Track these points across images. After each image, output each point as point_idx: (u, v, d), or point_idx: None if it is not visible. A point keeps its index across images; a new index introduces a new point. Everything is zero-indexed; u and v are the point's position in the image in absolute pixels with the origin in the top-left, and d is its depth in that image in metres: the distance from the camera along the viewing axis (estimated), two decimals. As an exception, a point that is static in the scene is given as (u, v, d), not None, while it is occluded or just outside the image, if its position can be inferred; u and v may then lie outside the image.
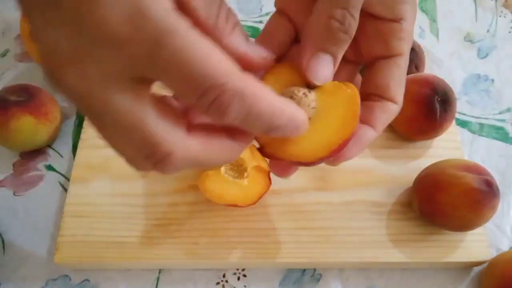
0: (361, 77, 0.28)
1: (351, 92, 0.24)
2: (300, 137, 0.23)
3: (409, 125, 0.43)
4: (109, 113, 0.18)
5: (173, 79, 0.18)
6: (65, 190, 0.44)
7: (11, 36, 0.56)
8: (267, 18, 0.62)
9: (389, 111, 0.27)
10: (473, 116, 0.50)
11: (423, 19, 0.58)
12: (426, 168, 0.41)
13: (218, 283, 0.40)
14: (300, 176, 0.43)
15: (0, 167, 0.46)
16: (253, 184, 0.39)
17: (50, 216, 0.43)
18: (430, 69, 0.53)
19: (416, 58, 0.48)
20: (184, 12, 0.18)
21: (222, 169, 0.38)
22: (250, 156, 0.39)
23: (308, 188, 0.42)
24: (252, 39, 0.24)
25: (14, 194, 0.44)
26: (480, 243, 0.40)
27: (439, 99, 0.42)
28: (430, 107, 0.41)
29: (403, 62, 0.26)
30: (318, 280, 0.40)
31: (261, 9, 0.58)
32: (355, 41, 0.25)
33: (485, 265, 0.40)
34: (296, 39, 0.28)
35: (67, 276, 0.40)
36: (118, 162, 0.43)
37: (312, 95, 0.24)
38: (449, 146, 0.45)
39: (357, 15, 0.23)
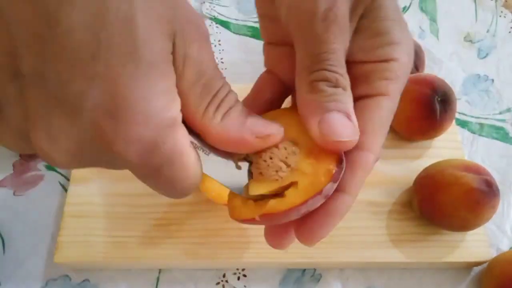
0: None
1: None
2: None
3: (409, 125, 0.43)
4: None
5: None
6: (65, 190, 0.44)
7: (11, 36, 0.56)
8: (267, 18, 0.60)
9: (361, 164, 0.22)
10: (473, 116, 0.50)
11: (423, 19, 0.58)
12: (426, 168, 0.41)
13: (218, 283, 0.40)
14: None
15: (0, 167, 0.46)
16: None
17: (50, 216, 0.43)
18: (430, 69, 0.53)
19: (416, 58, 0.48)
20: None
21: (222, 169, 0.38)
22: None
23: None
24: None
25: (14, 194, 0.44)
26: (480, 243, 0.40)
27: (439, 99, 0.42)
28: (430, 107, 0.41)
29: (387, 103, 0.23)
30: (318, 280, 0.40)
31: (261, 9, 0.58)
32: None
33: (485, 265, 0.40)
34: (285, 95, 0.27)
35: (67, 276, 0.40)
36: (118, 162, 0.44)
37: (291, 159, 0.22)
38: (449, 146, 0.45)
39: (340, 69, 0.22)
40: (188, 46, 0.19)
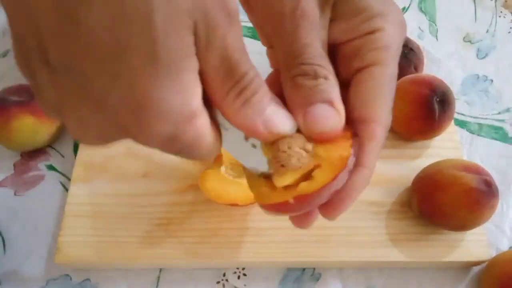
0: None
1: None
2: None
3: (408, 125, 0.44)
4: None
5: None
6: (66, 189, 0.44)
7: (12, 36, 0.56)
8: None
9: (372, 137, 0.23)
10: (472, 116, 0.50)
11: (422, 19, 0.58)
12: (425, 168, 0.41)
13: (218, 282, 0.40)
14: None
15: (1, 167, 0.46)
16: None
17: (50, 216, 0.43)
18: (429, 70, 0.54)
19: (415, 58, 0.48)
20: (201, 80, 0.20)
21: (222, 168, 0.38)
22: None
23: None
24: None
25: (14, 194, 0.44)
26: (480, 243, 0.40)
27: (438, 99, 0.42)
28: (429, 108, 0.42)
29: (381, 71, 0.23)
30: (318, 279, 0.41)
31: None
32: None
33: (484, 264, 0.40)
34: None
35: (67, 275, 0.40)
36: (118, 162, 0.44)
37: (308, 146, 0.22)
38: (448, 146, 0.45)
39: (319, 60, 0.22)
40: (212, 33, 0.18)
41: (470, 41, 0.57)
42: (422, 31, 0.57)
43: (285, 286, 0.40)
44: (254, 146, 0.23)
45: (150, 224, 0.40)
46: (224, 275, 0.41)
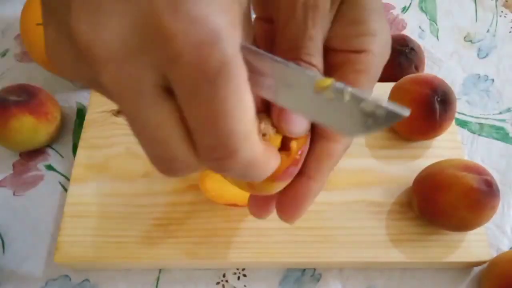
0: None
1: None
2: None
3: (409, 125, 0.43)
4: None
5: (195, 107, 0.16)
6: (65, 190, 0.44)
7: (11, 36, 0.56)
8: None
9: (328, 153, 0.24)
10: (473, 116, 0.50)
11: (423, 19, 0.58)
12: (426, 168, 0.41)
13: (218, 283, 0.40)
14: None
15: (0, 167, 0.46)
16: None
17: (50, 216, 0.43)
18: (430, 69, 0.53)
19: (415, 58, 0.48)
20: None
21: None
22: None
23: (308, 188, 0.42)
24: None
25: (14, 194, 0.44)
26: (480, 243, 0.40)
27: (439, 99, 0.42)
28: (430, 107, 0.41)
29: None
30: (318, 280, 0.40)
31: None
32: None
33: (485, 265, 0.40)
34: None
35: (67, 276, 0.40)
36: (118, 162, 0.44)
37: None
38: (449, 146, 0.45)
39: (316, 59, 0.22)
40: None
41: (471, 41, 0.57)
42: (423, 30, 0.57)
43: (285, 286, 0.40)
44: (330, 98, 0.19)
45: (150, 224, 0.40)
46: (224, 275, 0.40)
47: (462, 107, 0.51)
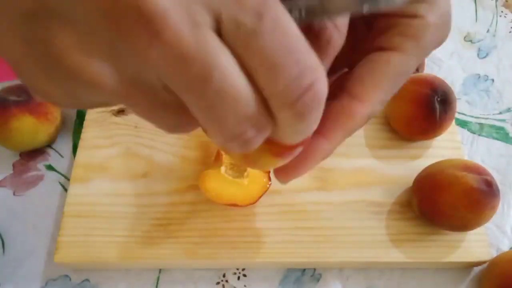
0: None
1: None
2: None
3: (409, 125, 0.43)
4: None
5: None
6: (65, 190, 0.44)
7: (11, 36, 0.56)
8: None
9: (347, 113, 0.20)
10: (473, 116, 0.50)
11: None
12: (426, 168, 0.41)
13: (218, 283, 0.40)
14: (300, 176, 0.43)
15: (0, 167, 0.46)
16: (253, 183, 0.39)
17: (50, 216, 0.43)
18: (430, 69, 0.53)
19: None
20: None
21: (222, 168, 0.38)
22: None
23: (308, 188, 0.42)
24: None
25: (14, 194, 0.44)
26: (480, 243, 0.40)
27: (439, 99, 0.42)
28: (430, 107, 0.41)
29: (398, 61, 0.21)
30: (318, 280, 0.40)
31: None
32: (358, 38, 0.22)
33: (485, 265, 0.40)
34: None
35: (67, 276, 0.40)
36: (118, 162, 0.44)
37: None
38: (449, 146, 0.45)
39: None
40: None
41: (471, 41, 0.57)
42: (423, 30, 0.57)
43: (285, 286, 0.40)
44: None
45: (150, 224, 0.40)
46: (224, 275, 0.40)
47: (462, 107, 0.51)
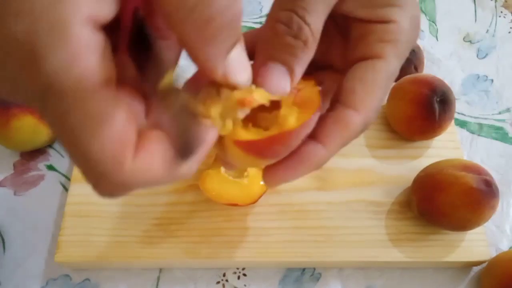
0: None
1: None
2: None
3: (408, 125, 0.44)
4: None
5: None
6: (66, 189, 0.44)
7: (12, 36, 0.56)
8: (267, 18, 0.61)
9: (344, 121, 0.21)
10: (472, 116, 0.50)
11: (423, 20, 0.58)
12: (425, 168, 0.41)
13: (218, 282, 0.40)
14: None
15: (1, 167, 0.46)
16: (253, 183, 0.39)
17: (50, 216, 0.43)
18: (429, 70, 0.54)
19: (415, 58, 0.48)
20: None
21: (222, 168, 0.38)
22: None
23: (308, 188, 0.42)
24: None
25: (14, 194, 0.44)
26: (480, 243, 0.40)
27: (438, 99, 0.42)
28: (429, 108, 0.41)
29: (382, 67, 0.22)
30: (318, 279, 0.41)
31: (261, 10, 0.58)
32: (343, 47, 0.23)
33: (484, 264, 0.40)
34: None
35: (67, 275, 0.40)
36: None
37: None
38: (448, 146, 0.45)
39: (311, 18, 0.20)
40: None
41: (470, 41, 0.57)
42: (422, 31, 0.57)
43: (285, 286, 0.40)
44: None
45: (150, 224, 0.40)
46: (224, 275, 0.41)
47: (461, 107, 0.51)
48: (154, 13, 0.19)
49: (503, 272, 0.37)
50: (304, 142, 0.21)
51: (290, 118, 0.20)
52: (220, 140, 0.21)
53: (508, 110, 0.51)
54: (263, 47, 0.21)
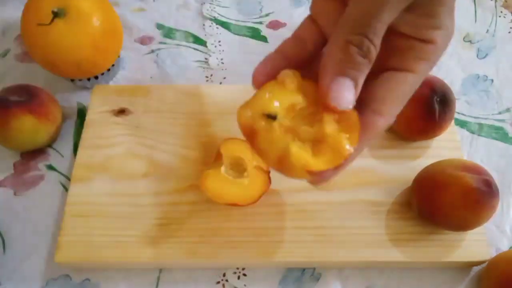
0: None
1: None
2: None
3: (408, 125, 0.44)
4: None
5: None
6: (66, 190, 0.44)
7: (12, 36, 0.56)
8: (267, 18, 0.62)
9: (372, 126, 0.25)
10: (472, 116, 0.50)
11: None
12: (425, 168, 0.41)
13: (218, 282, 0.40)
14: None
15: (1, 167, 0.46)
16: (253, 183, 0.39)
17: (50, 216, 0.43)
18: (429, 69, 0.54)
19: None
20: None
21: (222, 168, 0.38)
22: (250, 156, 0.39)
23: (308, 188, 0.42)
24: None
25: (14, 194, 0.44)
26: (480, 243, 0.40)
27: (438, 99, 0.42)
28: (429, 108, 0.42)
29: (412, 80, 0.25)
30: (318, 279, 0.41)
31: (261, 10, 0.58)
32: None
33: (484, 264, 0.40)
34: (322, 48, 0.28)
35: (67, 275, 0.40)
36: (118, 162, 0.44)
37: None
38: (448, 146, 0.45)
39: (377, 40, 0.23)
40: None
41: (470, 41, 0.57)
42: (422, 31, 0.57)
43: (285, 286, 0.40)
44: None
45: (150, 224, 0.40)
46: (224, 275, 0.41)
47: (461, 107, 0.51)
48: None
49: (503, 272, 0.37)
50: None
51: (344, 142, 0.24)
52: (283, 159, 0.25)
53: (508, 110, 0.51)
54: (333, 64, 0.24)
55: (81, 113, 0.50)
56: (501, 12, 0.59)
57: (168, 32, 0.57)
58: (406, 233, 0.40)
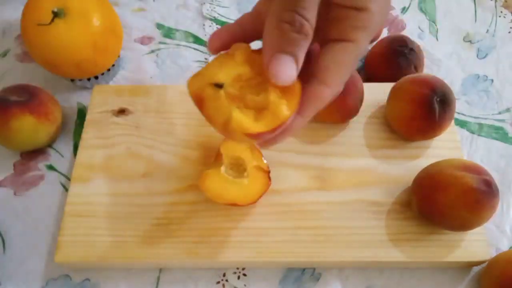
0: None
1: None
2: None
3: (408, 125, 0.44)
4: None
5: None
6: (66, 189, 0.44)
7: (12, 36, 0.56)
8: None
9: (318, 95, 0.26)
10: (472, 116, 0.50)
11: (423, 20, 0.58)
12: (425, 168, 0.41)
13: (218, 282, 0.40)
14: (300, 176, 0.43)
15: (1, 167, 0.46)
16: (253, 183, 0.39)
17: (50, 216, 0.43)
18: (429, 70, 0.54)
19: (415, 58, 0.48)
20: None
21: (222, 168, 0.38)
22: (250, 156, 0.39)
23: (308, 188, 0.42)
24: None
25: (14, 194, 0.44)
26: (480, 243, 0.40)
27: (438, 99, 0.42)
28: (429, 108, 0.41)
29: (352, 49, 0.26)
30: (318, 279, 0.41)
31: (261, 10, 0.58)
32: (320, 23, 0.26)
33: (484, 264, 0.40)
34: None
35: (67, 275, 0.40)
36: (118, 162, 0.44)
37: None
38: (448, 146, 0.45)
39: (308, 14, 0.24)
40: None
41: (470, 41, 0.57)
42: (422, 31, 0.57)
43: (285, 286, 0.40)
44: None
45: (150, 224, 0.40)
46: (224, 275, 0.41)
47: (461, 107, 0.51)
48: None
49: (503, 272, 0.37)
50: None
51: (283, 107, 0.25)
52: (227, 124, 0.26)
53: (508, 110, 0.51)
54: (270, 43, 0.25)
55: (81, 113, 0.50)
56: (501, 12, 0.59)
57: (168, 32, 0.57)
58: (406, 233, 0.40)
